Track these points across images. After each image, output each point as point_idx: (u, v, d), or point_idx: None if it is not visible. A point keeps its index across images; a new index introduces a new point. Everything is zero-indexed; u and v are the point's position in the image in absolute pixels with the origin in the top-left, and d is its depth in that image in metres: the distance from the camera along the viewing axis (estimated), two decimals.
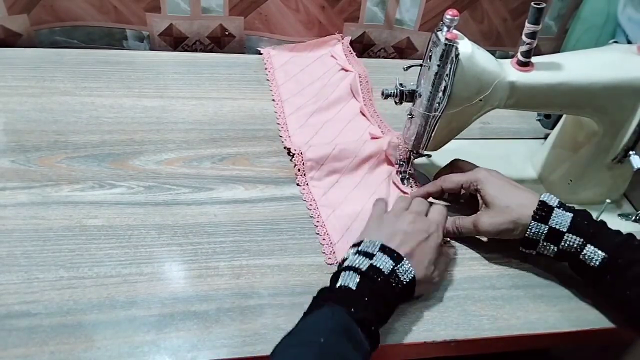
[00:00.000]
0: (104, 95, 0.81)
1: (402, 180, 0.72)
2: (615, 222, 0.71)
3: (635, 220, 0.72)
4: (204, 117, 0.80)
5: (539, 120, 0.84)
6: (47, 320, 0.52)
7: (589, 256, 0.57)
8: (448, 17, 0.58)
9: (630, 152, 0.67)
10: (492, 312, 0.59)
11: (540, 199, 0.59)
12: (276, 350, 0.47)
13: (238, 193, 0.68)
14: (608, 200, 0.68)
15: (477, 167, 0.66)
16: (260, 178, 0.71)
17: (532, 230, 0.59)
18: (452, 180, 0.65)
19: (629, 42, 0.89)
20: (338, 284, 0.52)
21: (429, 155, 0.72)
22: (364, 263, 0.53)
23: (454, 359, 0.60)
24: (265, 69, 0.91)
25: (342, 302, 0.49)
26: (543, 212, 0.58)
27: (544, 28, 1.03)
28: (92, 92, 0.81)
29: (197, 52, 0.98)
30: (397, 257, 0.54)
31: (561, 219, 0.58)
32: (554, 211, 0.58)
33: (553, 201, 0.59)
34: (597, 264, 0.56)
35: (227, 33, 0.97)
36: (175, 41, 0.96)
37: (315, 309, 0.50)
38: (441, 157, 0.77)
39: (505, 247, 0.66)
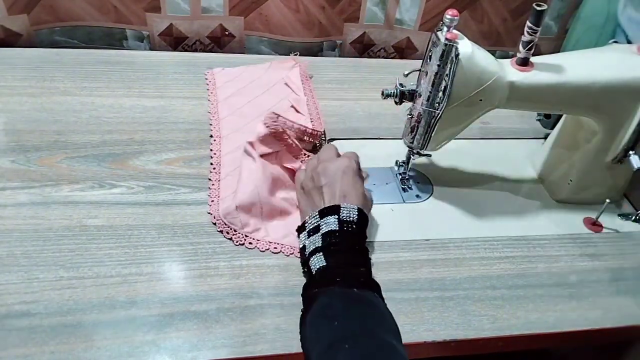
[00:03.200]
0: (104, 95, 0.81)
1: (401, 180, 0.72)
2: (615, 222, 0.72)
3: (635, 220, 0.72)
4: (204, 117, 0.79)
5: (539, 120, 0.84)
6: (47, 320, 0.52)
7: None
8: (448, 17, 0.58)
9: (630, 152, 0.67)
10: (492, 312, 0.59)
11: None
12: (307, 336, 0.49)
13: None
14: (608, 200, 0.68)
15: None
16: None
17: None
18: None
19: (629, 42, 0.89)
20: (314, 271, 0.54)
21: (429, 155, 0.72)
22: (317, 239, 0.56)
23: (454, 358, 0.60)
24: (209, 94, 0.82)
25: (328, 282, 0.51)
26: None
27: (544, 28, 1.03)
28: (92, 92, 0.81)
29: (197, 52, 0.98)
30: (335, 209, 0.57)
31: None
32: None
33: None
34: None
35: (227, 33, 0.97)
36: (175, 41, 0.96)
37: (310, 305, 0.50)
38: (441, 157, 0.77)
39: (504, 246, 0.66)
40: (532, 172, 0.79)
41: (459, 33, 0.59)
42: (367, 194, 0.62)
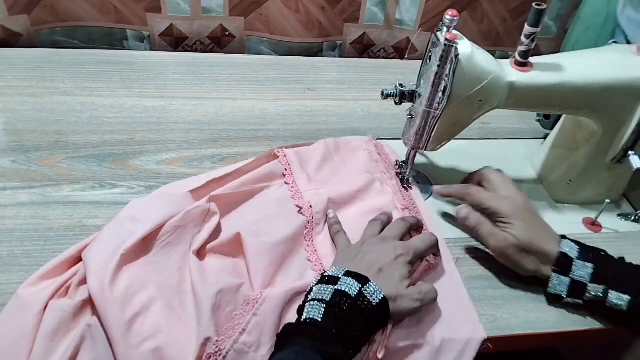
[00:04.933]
0: (104, 95, 0.81)
1: (401, 180, 0.72)
2: (614, 222, 0.72)
3: (634, 220, 0.72)
4: (205, 117, 0.80)
5: (538, 120, 0.84)
6: None
7: (614, 302, 0.55)
8: (448, 17, 0.58)
9: (630, 152, 0.67)
10: (492, 312, 0.59)
11: (560, 249, 0.58)
12: None
13: None
14: (607, 200, 0.68)
15: (510, 192, 0.63)
16: None
17: (554, 283, 0.58)
18: (478, 198, 0.62)
19: (629, 43, 0.89)
20: (303, 317, 0.48)
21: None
22: (328, 291, 0.49)
23: None
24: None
25: (308, 337, 0.46)
26: (563, 264, 0.57)
27: (544, 28, 1.04)
28: (93, 92, 0.81)
29: (197, 52, 0.98)
30: (363, 279, 0.51)
31: (582, 271, 0.57)
32: (574, 263, 0.57)
33: (573, 251, 0.58)
34: (625, 307, 0.55)
35: (227, 33, 0.97)
36: (175, 41, 0.97)
37: (280, 349, 0.47)
38: (441, 157, 0.77)
39: None
40: (531, 172, 0.79)
41: (458, 33, 0.59)
42: (410, 293, 0.53)
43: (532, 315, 0.59)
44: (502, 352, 0.59)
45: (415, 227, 0.63)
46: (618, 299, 0.55)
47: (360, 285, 0.50)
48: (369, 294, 0.50)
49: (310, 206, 0.64)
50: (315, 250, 0.61)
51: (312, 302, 0.49)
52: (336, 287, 0.49)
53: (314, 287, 0.51)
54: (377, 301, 0.50)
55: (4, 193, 0.64)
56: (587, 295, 0.57)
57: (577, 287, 0.57)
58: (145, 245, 0.56)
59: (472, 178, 0.68)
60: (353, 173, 0.71)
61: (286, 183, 0.68)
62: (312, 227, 0.63)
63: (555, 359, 0.84)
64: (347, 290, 0.49)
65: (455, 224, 0.68)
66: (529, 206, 0.62)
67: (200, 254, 0.57)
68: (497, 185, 0.64)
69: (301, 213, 0.64)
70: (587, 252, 0.58)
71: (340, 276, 0.51)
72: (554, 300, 0.59)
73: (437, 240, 0.59)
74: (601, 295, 0.56)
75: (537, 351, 0.77)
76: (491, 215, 0.61)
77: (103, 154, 0.71)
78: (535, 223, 0.61)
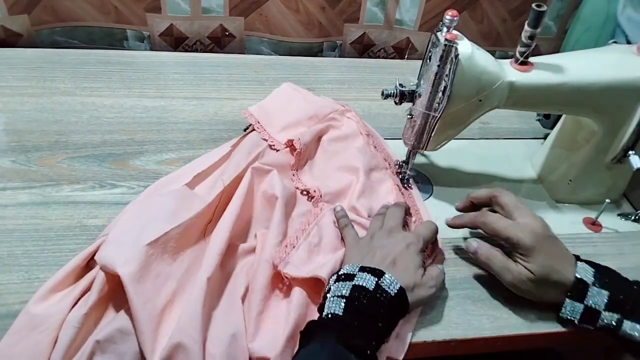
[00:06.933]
0: (104, 95, 0.81)
1: (401, 180, 0.72)
2: (614, 222, 0.72)
3: (634, 220, 0.72)
4: (205, 117, 0.80)
5: (538, 120, 0.84)
6: None
7: (628, 332, 0.53)
8: (448, 17, 0.58)
9: (630, 152, 0.67)
10: (492, 312, 0.59)
11: (576, 274, 0.55)
12: None
13: None
14: (607, 200, 0.68)
15: (528, 217, 0.59)
16: None
17: (567, 309, 0.56)
18: (497, 227, 0.58)
19: (629, 43, 0.89)
20: (325, 313, 0.49)
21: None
22: (346, 287, 0.51)
23: (454, 358, 0.60)
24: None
25: (331, 331, 0.47)
26: (578, 290, 0.55)
27: (544, 28, 1.03)
28: (93, 92, 0.81)
29: (197, 52, 0.98)
30: (378, 273, 0.52)
31: (597, 298, 0.54)
32: (590, 289, 0.54)
33: (589, 275, 0.55)
34: (639, 338, 0.53)
35: (227, 33, 0.97)
36: (175, 41, 0.97)
37: (304, 344, 0.48)
38: (441, 157, 0.77)
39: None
40: (531, 172, 0.79)
41: (458, 33, 0.59)
42: (425, 281, 0.55)
43: (532, 316, 0.59)
44: (502, 352, 0.59)
45: (407, 211, 0.64)
46: (632, 329, 0.53)
47: (377, 279, 0.51)
48: (386, 285, 0.51)
49: (299, 139, 0.69)
50: (300, 179, 0.69)
51: (332, 299, 0.50)
52: (353, 283, 0.51)
53: (331, 286, 0.52)
54: (395, 291, 0.51)
55: (4, 193, 0.64)
56: (600, 322, 0.54)
57: (590, 314, 0.55)
58: (164, 238, 0.55)
59: (479, 197, 0.64)
60: (317, 106, 0.77)
61: (258, 132, 0.74)
62: (298, 159, 0.69)
63: (555, 359, 0.84)
64: (364, 285, 0.50)
65: None
66: (548, 232, 0.58)
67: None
68: (511, 209, 0.60)
69: (273, 148, 0.71)
70: (604, 277, 0.55)
71: (355, 272, 0.52)
72: (566, 323, 0.57)
73: (437, 227, 0.61)
74: (614, 324, 0.54)
75: (537, 351, 0.77)
76: (510, 246, 0.58)
77: (103, 154, 0.71)
78: (554, 251, 0.57)
